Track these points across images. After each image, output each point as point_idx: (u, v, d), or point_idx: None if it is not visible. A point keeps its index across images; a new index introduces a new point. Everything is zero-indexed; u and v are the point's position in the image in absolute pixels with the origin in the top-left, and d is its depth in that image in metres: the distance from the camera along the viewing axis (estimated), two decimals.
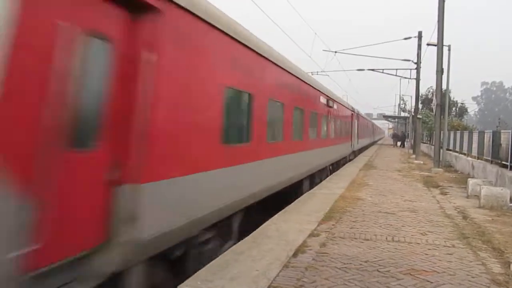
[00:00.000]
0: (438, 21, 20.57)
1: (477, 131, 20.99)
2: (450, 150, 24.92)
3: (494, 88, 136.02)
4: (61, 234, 3.21)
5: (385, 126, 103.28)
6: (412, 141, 36.82)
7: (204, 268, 5.16)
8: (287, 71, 9.69)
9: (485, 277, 5.25)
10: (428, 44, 24.16)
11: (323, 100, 15.06)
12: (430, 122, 35.07)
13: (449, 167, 22.28)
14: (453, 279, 5.15)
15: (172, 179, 4.52)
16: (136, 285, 4.15)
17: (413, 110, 39.17)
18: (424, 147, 38.95)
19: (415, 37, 32.87)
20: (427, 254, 6.14)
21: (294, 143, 10.68)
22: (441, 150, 22.15)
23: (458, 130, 27.79)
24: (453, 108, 50.94)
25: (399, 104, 65.77)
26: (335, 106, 17.56)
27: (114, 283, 3.87)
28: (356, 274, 5.21)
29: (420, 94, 38.11)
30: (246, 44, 6.70)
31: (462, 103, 57.02)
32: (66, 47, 3.18)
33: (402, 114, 63.41)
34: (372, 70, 35.16)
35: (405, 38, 32.80)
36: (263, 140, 8.05)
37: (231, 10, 8.23)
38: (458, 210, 9.94)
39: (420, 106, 41.58)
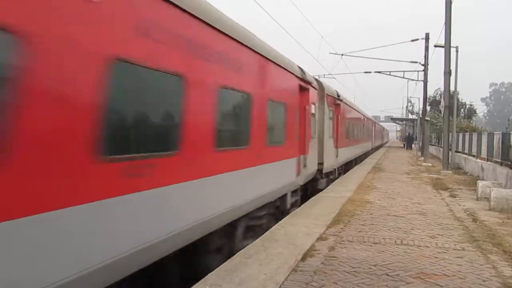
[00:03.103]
0: (445, 22, 20.47)
1: (486, 132, 20.79)
2: (459, 152, 24.70)
3: (503, 89, 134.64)
4: None
5: (393, 129, 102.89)
6: (420, 143, 36.58)
7: (212, 272, 5.18)
8: None
9: (496, 281, 5.19)
10: (435, 46, 24.04)
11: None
12: (439, 124, 34.80)
13: (458, 169, 22.08)
14: (464, 282, 5.10)
15: None
16: None
17: (421, 112, 38.98)
18: (432, 149, 38.65)
19: (422, 38, 32.78)
20: (436, 258, 6.09)
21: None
22: (450, 152, 21.98)
23: (466, 131, 27.55)
24: (462, 110, 50.51)
25: (407, 106, 65.50)
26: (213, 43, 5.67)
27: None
28: (365, 278, 5.19)
29: (428, 96, 37.95)
30: None
31: (470, 105, 56.57)
32: None
33: (410, 116, 63.12)
34: (379, 72, 35.05)
35: (413, 40, 32.73)
36: None
37: (239, 13, 8.29)
38: (467, 212, 9.85)
39: (428, 108, 41.37)
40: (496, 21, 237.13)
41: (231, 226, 6.69)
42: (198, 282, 4.84)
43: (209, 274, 5.10)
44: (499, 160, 15.49)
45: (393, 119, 70.63)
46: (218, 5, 5.89)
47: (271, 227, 7.96)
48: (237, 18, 6.61)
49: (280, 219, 8.69)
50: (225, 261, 5.84)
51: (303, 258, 5.87)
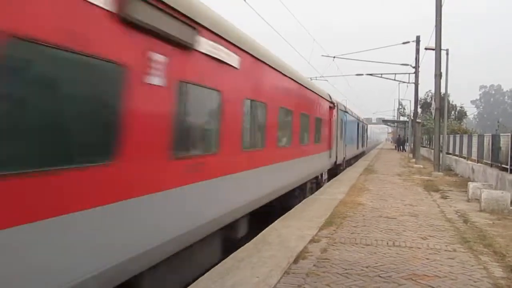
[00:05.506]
0: (436, 25, 20.66)
1: (477, 134, 20.99)
2: (450, 153, 24.91)
3: (493, 92, 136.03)
4: None
5: (385, 131, 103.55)
6: (412, 145, 36.80)
7: (204, 276, 5.15)
8: None
9: (487, 281, 5.23)
10: (426, 49, 24.21)
11: None
12: (428, 125, 35.05)
13: (449, 170, 22.26)
14: (455, 283, 5.13)
15: None
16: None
17: (412, 114, 39.24)
18: (424, 151, 38.92)
19: (413, 41, 32.98)
20: (428, 259, 6.13)
21: None
22: (441, 154, 22.14)
23: (457, 133, 27.77)
24: (452, 112, 50.92)
25: (398, 109, 65.92)
26: None
27: None
28: (358, 279, 5.20)
29: (419, 98, 38.18)
30: None
31: (461, 107, 57.00)
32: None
33: (402, 118, 63.51)
34: (371, 75, 35.20)
35: (404, 43, 32.95)
36: None
37: (233, 16, 8.27)
38: (458, 214, 9.92)
39: (419, 110, 41.63)
40: (486, 26, 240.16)
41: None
42: (190, 286, 4.81)
43: (200, 278, 5.06)
44: (489, 162, 15.64)
45: (385, 121, 70.97)
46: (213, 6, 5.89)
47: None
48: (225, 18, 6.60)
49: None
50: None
51: (296, 261, 5.86)
